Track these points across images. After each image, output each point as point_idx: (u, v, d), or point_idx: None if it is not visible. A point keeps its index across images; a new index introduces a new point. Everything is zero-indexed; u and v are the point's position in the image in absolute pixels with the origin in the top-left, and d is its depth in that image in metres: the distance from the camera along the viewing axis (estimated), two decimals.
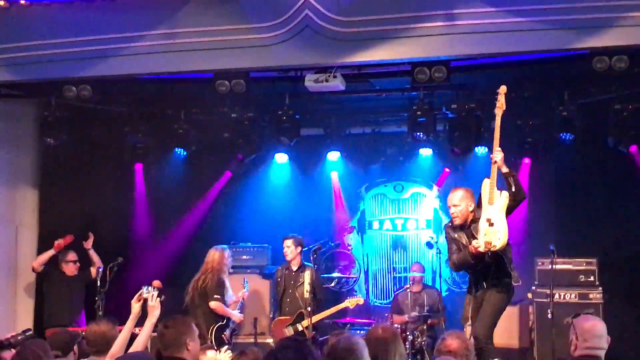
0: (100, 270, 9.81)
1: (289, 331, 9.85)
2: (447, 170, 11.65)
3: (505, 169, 7.42)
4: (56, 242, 10.53)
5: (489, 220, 7.40)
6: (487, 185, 7.50)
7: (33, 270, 10.60)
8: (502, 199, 7.40)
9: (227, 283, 10.01)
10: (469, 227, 7.69)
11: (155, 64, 9.07)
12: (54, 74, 9.37)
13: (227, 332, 9.86)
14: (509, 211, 7.51)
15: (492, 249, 7.38)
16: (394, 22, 8.29)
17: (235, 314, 9.97)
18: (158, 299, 5.94)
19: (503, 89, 7.73)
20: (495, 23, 8.06)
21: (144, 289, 5.96)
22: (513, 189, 7.40)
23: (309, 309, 9.47)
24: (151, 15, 8.90)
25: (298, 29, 8.48)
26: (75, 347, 5.96)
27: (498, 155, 7.41)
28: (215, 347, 9.40)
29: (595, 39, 7.91)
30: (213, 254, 10.01)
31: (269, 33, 8.55)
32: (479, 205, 7.66)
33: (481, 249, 7.38)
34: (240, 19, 8.66)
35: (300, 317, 9.91)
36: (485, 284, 7.58)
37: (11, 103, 10.80)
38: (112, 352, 5.70)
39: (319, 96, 10.01)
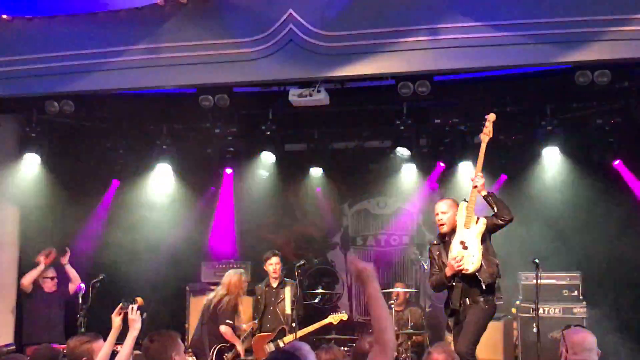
0: (82, 286, 9.70)
1: (269, 347, 9.78)
2: (442, 164, 11.40)
3: (484, 192, 7.44)
4: (44, 259, 10.38)
5: (462, 243, 7.43)
6: (464, 209, 7.53)
7: (22, 288, 10.46)
8: (479, 225, 7.43)
9: (240, 307, 10.02)
10: (447, 242, 7.66)
11: (138, 79, 9.02)
12: (36, 89, 9.30)
13: (229, 355, 9.81)
14: (495, 230, 7.54)
15: (464, 272, 7.39)
16: (377, 37, 8.29)
17: (241, 345, 9.92)
18: (138, 312, 5.89)
19: (492, 116, 7.72)
20: (478, 37, 8.07)
21: (123, 303, 5.94)
22: (496, 210, 7.40)
23: (293, 324, 9.42)
24: (134, 29, 8.86)
25: (282, 43, 8.47)
26: None
27: (479, 180, 7.44)
28: None
29: (578, 53, 7.94)
30: (231, 277, 9.99)
31: (252, 47, 8.53)
32: None
33: (451, 269, 7.41)
34: (224, 34, 8.63)
35: (281, 333, 9.85)
36: (468, 300, 7.52)
37: None
38: None
39: (302, 111, 9.98)
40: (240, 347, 9.87)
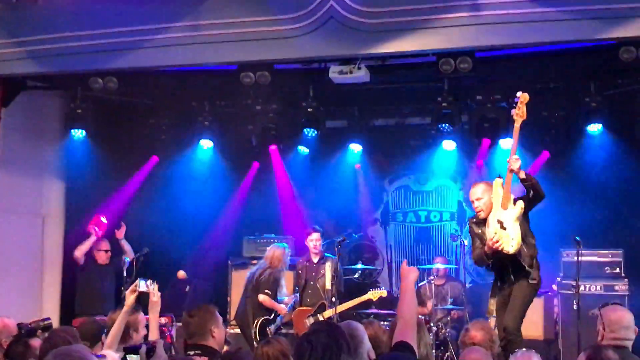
0: (127, 260, 9.89)
1: (309, 321, 9.90)
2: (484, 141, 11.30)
3: (522, 175, 7.27)
4: (94, 230, 10.59)
5: (500, 222, 7.36)
6: (499, 187, 7.44)
7: (75, 259, 10.68)
8: (517, 209, 7.34)
9: (283, 281, 10.29)
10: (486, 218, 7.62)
11: (180, 56, 9.09)
12: (80, 66, 9.43)
13: (272, 327, 10.00)
14: (529, 207, 7.46)
15: (505, 253, 7.36)
16: (418, 13, 8.24)
17: (281, 307, 10.21)
18: (158, 292, 5.90)
19: (524, 97, 7.40)
20: (520, 13, 7.98)
21: (141, 282, 5.88)
22: (531, 195, 7.32)
23: (333, 299, 9.52)
24: (175, 7, 8.91)
25: (322, 20, 8.46)
26: (104, 337, 6.00)
27: (515, 163, 7.25)
28: (258, 339, 9.64)
29: (622, 29, 7.82)
30: (273, 251, 10.23)
31: (293, 25, 8.54)
32: None
33: (489, 248, 7.39)
34: (265, 11, 8.65)
35: (321, 308, 9.97)
36: (513, 277, 7.53)
37: (37, 95, 10.88)
38: (107, 343, 5.65)
39: (343, 88, 9.98)
40: (281, 309, 10.18)
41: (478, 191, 7.72)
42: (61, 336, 5.31)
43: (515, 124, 7.40)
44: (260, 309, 10.07)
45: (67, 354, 3.42)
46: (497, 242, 7.31)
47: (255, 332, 9.94)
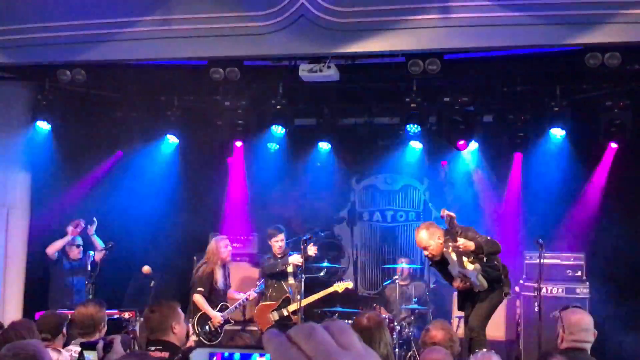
0: (91, 254, 9.85)
1: (273, 316, 9.90)
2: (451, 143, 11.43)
3: (474, 249, 7.69)
4: (70, 230, 10.54)
5: (463, 275, 7.90)
6: (452, 256, 7.87)
7: (45, 256, 10.62)
8: (475, 272, 7.81)
9: (220, 273, 10.08)
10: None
11: (150, 50, 9.07)
12: (49, 57, 9.37)
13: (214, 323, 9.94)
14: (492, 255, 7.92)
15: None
16: (389, 14, 8.30)
17: (214, 314, 9.95)
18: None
19: (447, 214, 7.68)
20: (489, 17, 8.08)
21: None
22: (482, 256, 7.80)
23: (298, 297, 9.53)
24: (146, 0, 8.89)
25: (293, 18, 8.48)
26: (64, 330, 5.98)
27: (462, 246, 7.67)
28: (196, 334, 9.56)
29: (588, 35, 7.95)
30: (210, 245, 10.19)
31: (264, 21, 8.55)
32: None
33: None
34: (236, 7, 8.65)
35: (285, 302, 9.98)
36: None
37: (4, 85, 10.77)
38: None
39: (312, 86, 10.01)
40: (213, 316, 9.92)
41: (423, 240, 8.01)
42: (16, 330, 5.28)
43: (453, 224, 7.76)
44: (195, 306, 10.03)
45: (22, 348, 3.42)
46: (466, 284, 7.87)
47: (193, 327, 9.85)
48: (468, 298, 8.07)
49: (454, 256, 7.78)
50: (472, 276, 7.77)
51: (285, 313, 9.86)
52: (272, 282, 10.23)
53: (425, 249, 7.98)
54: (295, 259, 9.85)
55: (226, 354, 1.45)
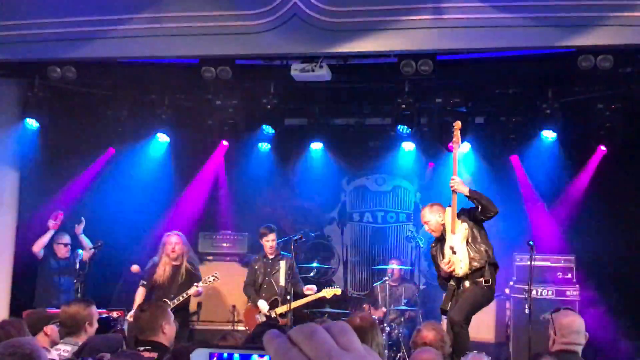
0: (79, 252, 9.78)
1: (260, 317, 9.85)
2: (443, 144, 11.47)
3: (467, 192, 7.90)
4: (50, 223, 10.46)
5: (452, 247, 7.92)
6: (449, 214, 7.97)
7: (34, 254, 10.55)
8: (462, 230, 7.93)
9: (167, 270, 9.74)
10: (443, 242, 8.12)
11: (141, 48, 9.02)
12: (39, 54, 9.31)
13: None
14: (482, 220, 7.96)
15: (455, 276, 7.89)
16: (382, 14, 8.29)
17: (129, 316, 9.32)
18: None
19: (458, 124, 8.25)
20: (482, 18, 8.08)
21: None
22: (480, 208, 7.85)
23: (287, 297, 9.50)
24: None
25: (286, 17, 8.46)
26: (49, 329, 5.93)
27: (454, 183, 7.96)
28: None
29: (581, 38, 7.96)
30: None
31: (256, 20, 8.52)
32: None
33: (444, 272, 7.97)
34: (228, 6, 8.62)
35: (274, 304, 9.92)
36: (467, 283, 7.93)
37: None
38: None
39: (304, 86, 9.98)
40: (130, 315, 9.23)
41: (426, 215, 8.29)
42: (6, 329, 5.23)
43: (453, 150, 8.15)
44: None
45: (19, 347, 3.39)
46: (450, 266, 7.85)
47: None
48: (452, 297, 8.04)
49: (447, 218, 8.00)
50: (456, 241, 7.85)
51: (273, 315, 9.82)
52: (264, 282, 10.17)
53: (425, 223, 8.27)
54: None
55: (225, 355, 1.43)
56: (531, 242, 8.92)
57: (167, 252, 9.80)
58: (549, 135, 10.32)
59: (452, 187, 7.96)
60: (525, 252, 9.47)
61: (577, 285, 9.89)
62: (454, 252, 7.87)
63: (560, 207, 10.92)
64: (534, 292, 9.24)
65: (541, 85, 10.15)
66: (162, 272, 9.73)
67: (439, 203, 8.30)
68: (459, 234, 7.90)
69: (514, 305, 9.95)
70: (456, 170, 8.08)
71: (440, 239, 8.14)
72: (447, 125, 10.52)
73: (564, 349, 5.28)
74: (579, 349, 5.39)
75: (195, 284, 9.66)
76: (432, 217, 8.17)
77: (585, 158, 10.75)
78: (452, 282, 8.00)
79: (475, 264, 7.84)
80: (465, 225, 7.90)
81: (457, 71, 9.98)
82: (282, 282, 9.97)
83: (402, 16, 8.24)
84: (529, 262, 9.02)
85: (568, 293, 9.84)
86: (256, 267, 10.29)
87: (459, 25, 8.14)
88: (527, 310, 8.86)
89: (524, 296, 9.28)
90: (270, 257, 10.21)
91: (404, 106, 10.32)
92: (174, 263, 9.80)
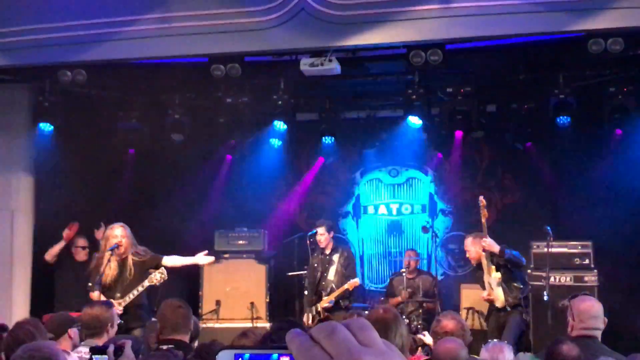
0: (95, 255, 9.81)
1: (310, 312, 10.15)
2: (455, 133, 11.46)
3: (497, 251, 9.09)
4: (65, 233, 10.53)
5: (489, 283, 9.20)
6: (484, 260, 9.23)
7: (45, 261, 10.61)
8: (496, 277, 9.11)
9: (112, 266, 8.51)
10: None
11: (150, 49, 9.04)
12: (49, 58, 9.33)
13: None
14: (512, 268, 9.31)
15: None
16: (389, 5, 8.27)
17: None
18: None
19: (483, 202, 9.11)
20: (490, 5, 8.04)
21: None
22: (509, 265, 9.17)
23: (328, 288, 9.94)
24: None
25: (293, 12, 8.45)
26: (72, 332, 5.95)
27: (487, 244, 9.09)
28: None
29: (590, 21, 7.91)
30: None
31: (264, 17, 8.52)
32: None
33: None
34: (235, 3, 8.63)
35: (319, 299, 10.07)
36: (508, 308, 9.20)
37: (4, 88, 10.73)
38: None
39: (314, 80, 9.97)
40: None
41: (467, 245, 9.53)
42: (25, 329, 5.25)
43: (483, 224, 9.11)
44: None
45: (37, 350, 3.40)
46: (490, 297, 9.26)
47: None
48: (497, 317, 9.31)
49: (484, 260, 9.15)
50: (493, 282, 9.06)
51: (319, 308, 10.02)
52: (323, 277, 10.23)
53: (467, 252, 9.51)
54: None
55: (247, 356, 1.44)
56: (548, 228, 8.88)
57: (104, 246, 8.63)
58: (563, 120, 10.26)
59: (484, 248, 9.06)
60: (542, 239, 9.45)
61: (595, 271, 9.83)
62: (492, 289, 9.12)
63: (576, 192, 10.86)
64: (552, 279, 9.22)
65: (552, 71, 10.10)
66: (109, 269, 8.46)
67: (480, 235, 9.13)
68: (493, 280, 9.08)
69: (532, 293, 9.90)
70: (486, 233, 9.05)
71: (481, 266, 9.27)
72: (460, 114, 10.52)
73: (583, 334, 5.26)
74: (598, 333, 5.38)
75: (142, 283, 8.49)
76: (473, 249, 9.35)
77: (600, 142, 10.68)
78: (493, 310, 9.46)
79: (510, 301, 9.10)
80: (498, 274, 9.06)
81: (467, 60, 9.96)
82: (330, 277, 10.04)
83: (410, 6, 8.22)
84: (546, 249, 9.00)
85: (586, 279, 9.77)
86: (315, 264, 10.35)
87: (467, 14, 8.11)
88: (545, 298, 8.84)
89: (542, 283, 9.24)
90: (327, 251, 10.25)
91: (414, 97, 10.30)
92: (121, 258, 8.59)
